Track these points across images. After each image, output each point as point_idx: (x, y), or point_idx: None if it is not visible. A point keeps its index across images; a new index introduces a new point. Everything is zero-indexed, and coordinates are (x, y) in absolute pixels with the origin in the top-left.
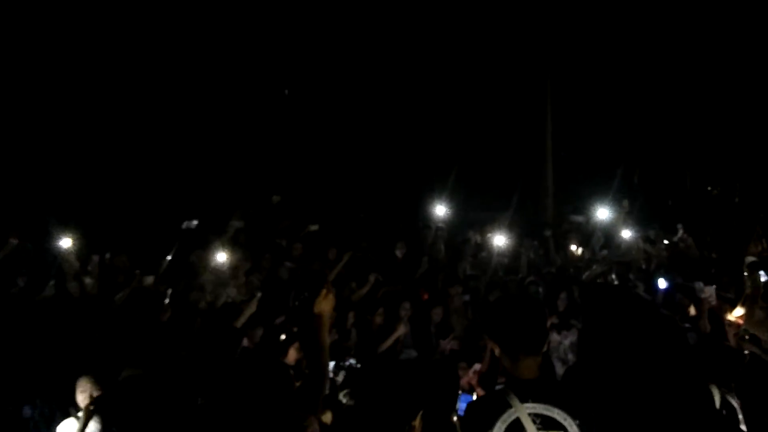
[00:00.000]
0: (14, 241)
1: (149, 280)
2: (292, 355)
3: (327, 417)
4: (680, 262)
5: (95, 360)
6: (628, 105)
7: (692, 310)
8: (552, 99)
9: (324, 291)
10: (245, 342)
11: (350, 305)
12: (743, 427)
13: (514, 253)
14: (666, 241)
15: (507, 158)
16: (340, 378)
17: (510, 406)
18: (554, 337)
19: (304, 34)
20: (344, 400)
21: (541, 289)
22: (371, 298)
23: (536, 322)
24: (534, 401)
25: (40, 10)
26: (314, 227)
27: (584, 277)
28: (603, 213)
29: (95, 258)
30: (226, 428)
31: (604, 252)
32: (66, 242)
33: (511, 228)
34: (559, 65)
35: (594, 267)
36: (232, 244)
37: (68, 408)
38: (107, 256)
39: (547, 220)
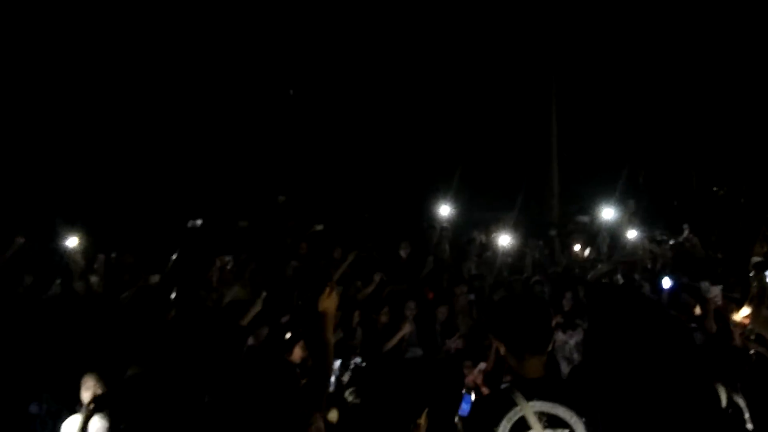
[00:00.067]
0: (21, 240)
1: (155, 278)
2: (297, 354)
3: (333, 415)
4: (686, 262)
5: (101, 358)
6: (633, 105)
7: (698, 310)
8: (557, 99)
9: (328, 289)
10: (251, 340)
11: (355, 304)
12: (749, 426)
13: (519, 253)
14: (671, 241)
15: (512, 158)
16: (346, 377)
17: (516, 405)
18: (559, 336)
19: (310, 35)
20: (350, 399)
21: (546, 289)
22: (376, 297)
23: (541, 321)
24: (540, 399)
25: (51, 10)
26: (319, 227)
27: (589, 276)
28: (608, 213)
29: (101, 257)
30: (232, 425)
31: (610, 252)
32: (72, 241)
33: (516, 228)
34: (564, 65)
35: (599, 266)
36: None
37: (74, 405)
38: (113, 254)
39: (552, 220)
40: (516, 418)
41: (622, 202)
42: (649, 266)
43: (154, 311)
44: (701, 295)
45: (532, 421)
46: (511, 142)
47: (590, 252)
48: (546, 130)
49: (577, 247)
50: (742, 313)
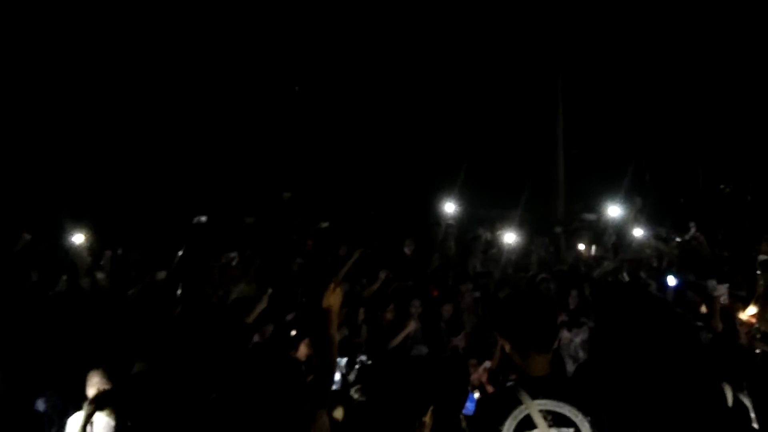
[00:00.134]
0: (27, 237)
1: (161, 275)
2: (302, 351)
3: (338, 413)
4: (692, 260)
5: (107, 354)
6: (639, 103)
7: (703, 309)
8: (563, 97)
9: (332, 286)
10: (256, 337)
11: (361, 301)
12: (755, 425)
13: (524, 251)
14: (678, 239)
15: (517, 155)
16: (352, 376)
17: (521, 403)
18: (565, 334)
19: (316, 32)
20: (355, 396)
21: (552, 287)
22: (382, 294)
23: (546, 319)
24: (545, 398)
25: (60, 5)
26: (325, 224)
27: (595, 274)
28: (614, 211)
29: (108, 253)
30: (238, 422)
31: (616, 250)
32: (78, 237)
33: (521, 225)
34: (571, 63)
35: (605, 264)
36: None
37: (81, 402)
38: (119, 251)
39: (557, 218)
40: (521, 416)
41: (628, 199)
42: (655, 264)
43: (160, 308)
44: (707, 293)
45: (538, 419)
46: (517, 140)
47: (596, 250)
48: (552, 128)
49: (582, 246)
50: (749, 312)
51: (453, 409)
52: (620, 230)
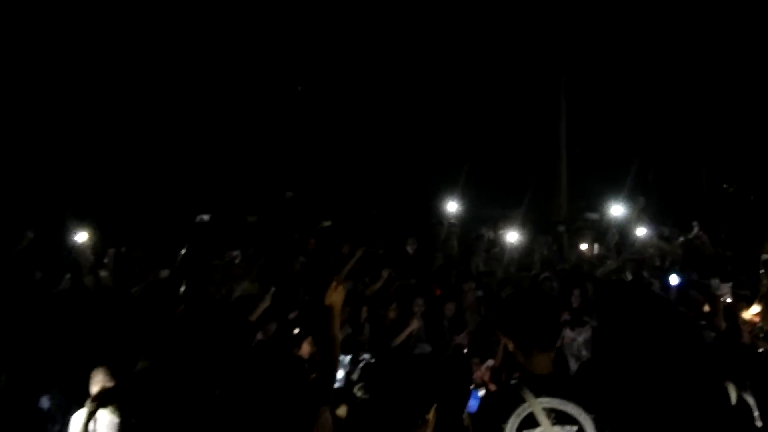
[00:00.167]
0: (30, 235)
1: (164, 273)
2: (305, 349)
3: (342, 410)
4: (695, 260)
5: (111, 352)
6: (642, 102)
7: (706, 308)
8: (566, 95)
9: (334, 283)
10: (260, 336)
11: (364, 300)
12: (758, 423)
13: (527, 250)
14: (681, 239)
15: (520, 154)
16: (356, 374)
17: (524, 401)
18: (568, 333)
19: (319, 32)
20: (359, 394)
21: (555, 285)
22: (384, 293)
23: (549, 317)
24: (548, 396)
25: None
26: (327, 223)
27: (598, 273)
28: (617, 210)
29: (111, 251)
30: (242, 419)
31: (619, 249)
32: (82, 236)
33: (524, 224)
34: (574, 62)
35: (608, 263)
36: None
37: (84, 399)
38: (123, 249)
39: (560, 217)
40: (524, 414)
41: (631, 198)
42: (658, 264)
43: (163, 306)
44: (710, 292)
45: (541, 417)
46: (520, 138)
47: (599, 249)
48: (555, 127)
49: (585, 245)
50: (752, 311)
51: (456, 406)
52: (623, 229)
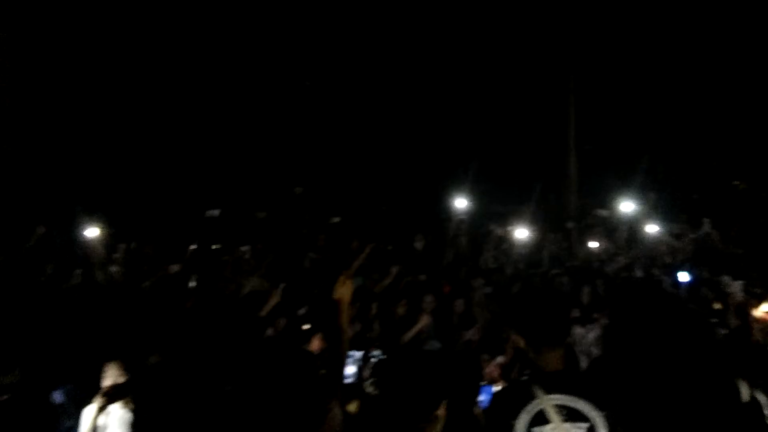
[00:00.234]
0: (42, 230)
1: (174, 268)
2: (316, 344)
3: (353, 406)
4: (706, 257)
5: (122, 346)
6: (653, 98)
7: (717, 305)
8: (575, 91)
9: (342, 277)
10: (269, 331)
11: (373, 297)
12: None
13: (536, 246)
14: (692, 236)
15: (529, 151)
16: (367, 371)
17: (534, 397)
18: (578, 330)
19: (328, 27)
20: (370, 390)
21: (565, 282)
22: (394, 289)
23: (558, 314)
24: (559, 393)
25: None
26: (336, 219)
27: (609, 270)
28: (627, 206)
29: (122, 247)
30: (253, 414)
31: (629, 245)
32: (93, 231)
33: (533, 221)
34: (583, 58)
35: (618, 260)
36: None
37: (96, 393)
38: (133, 245)
39: (570, 214)
40: (535, 410)
41: (641, 195)
42: (668, 261)
43: (173, 300)
44: (721, 289)
45: (552, 414)
46: (529, 135)
47: (609, 246)
48: (564, 122)
49: (595, 243)
50: (763, 308)
51: (466, 402)
52: (633, 226)
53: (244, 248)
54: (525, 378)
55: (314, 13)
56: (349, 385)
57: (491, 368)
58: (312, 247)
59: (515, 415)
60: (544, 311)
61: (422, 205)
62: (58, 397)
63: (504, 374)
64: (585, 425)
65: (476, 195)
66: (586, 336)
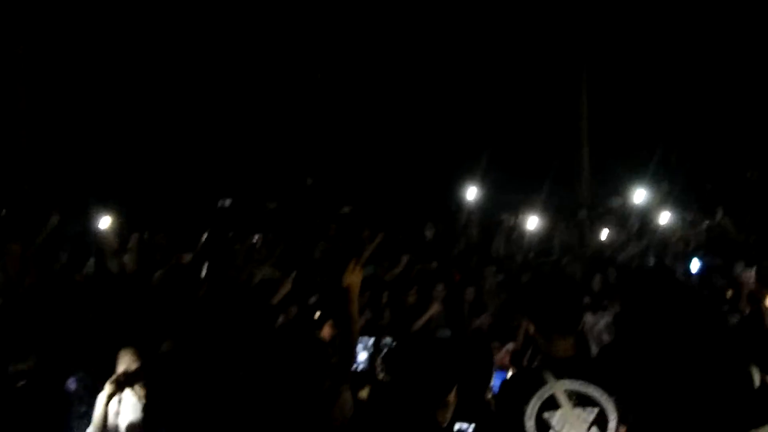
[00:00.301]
0: (56, 218)
1: (187, 257)
2: (327, 332)
3: (364, 392)
4: (719, 245)
5: (135, 334)
6: (666, 86)
7: (730, 293)
8: (588, 79)
9: (352, 264)
10: (281, 319)
11: (384, 285)
12: None
13: (547, 235)
14: (705, 224)
15: (541, 139)
16: (379, 359)
17: (545, 383)
18: (589, 318)
19: (339, 18)
20: (381, 376)
21: (577, 269)
22: (405, 277)
23: (570, 301)
24: (570, 378)
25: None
26: (346, 209)
27: (621, 259)
28: (640, 195)
29: (135, 236)
30: (265, 400)
31: (641, 234)
32: (105, 221)
33: (545, 209)
34: (597, 45)
35: (631, 248)
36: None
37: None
38: (146, 234)
39: (582, 202)
40: (546, 396)
41: (654, 184)
42: (681, 249)
43: (186, 289)
44: (734, 277)
45: (562, 399)
46: (541, 123)
47: (622, 234)
48: (576, 111)
49: (607, 231)
50: None
51: (477, 388)
52: (646, 214)
53: (255, 237)
54: (536, 364)
55: (326, 4)
56: (360, 371)
57: (502, 355)
58: (323, 237)
59: (526, 400)
60: (555, 299)
61: (433, 194)
62: (72, 384)
63: (514, 361)
64: (595, 410)
65: (487, 183)
66: (597, 323)
